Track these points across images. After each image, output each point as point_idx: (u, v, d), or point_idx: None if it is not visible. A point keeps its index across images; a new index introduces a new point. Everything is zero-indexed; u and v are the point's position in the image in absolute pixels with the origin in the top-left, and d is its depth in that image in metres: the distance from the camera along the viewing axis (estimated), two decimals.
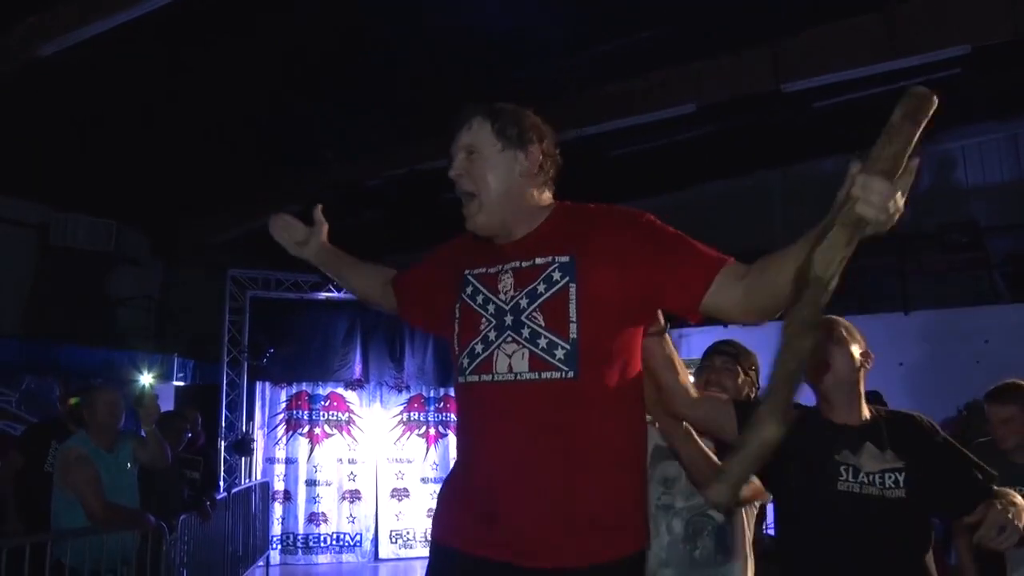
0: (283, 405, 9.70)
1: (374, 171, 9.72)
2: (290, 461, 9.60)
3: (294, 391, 9.72)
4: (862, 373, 2.46)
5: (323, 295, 9.70)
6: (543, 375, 1.88)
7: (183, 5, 6.71)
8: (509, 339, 1.91)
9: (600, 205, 2.04)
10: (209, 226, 11.44)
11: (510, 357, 1.90)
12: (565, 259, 1.93)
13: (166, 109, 8.50)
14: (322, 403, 9.73)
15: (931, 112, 1.46)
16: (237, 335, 9.49)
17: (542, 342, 1.89)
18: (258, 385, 9.61)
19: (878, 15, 8.16)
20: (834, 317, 2.52)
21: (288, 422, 9.67)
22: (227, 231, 11.28)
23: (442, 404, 10.29)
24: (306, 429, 9.68)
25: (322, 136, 8.83)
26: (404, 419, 10.12)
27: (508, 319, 1.93)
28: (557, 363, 1.87)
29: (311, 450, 9.63)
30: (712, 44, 9.19)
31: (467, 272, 2.04)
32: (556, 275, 1.92)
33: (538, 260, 1.95)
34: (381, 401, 10.07)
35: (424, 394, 10.27)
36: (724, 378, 2.76)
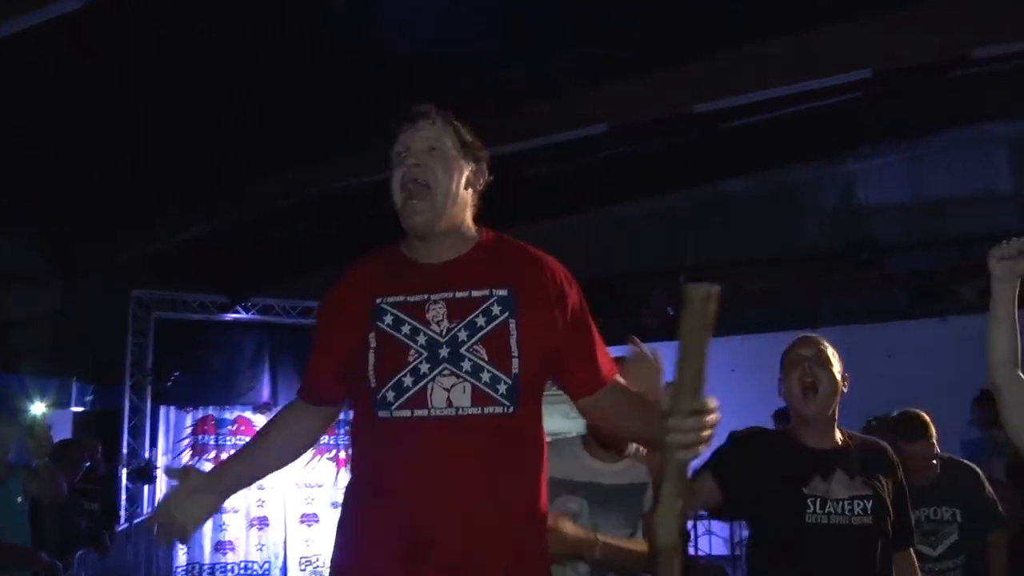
0: (188, 430, 9.37)
1: (288, 189, 9.50)
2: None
3: (200, 415, 9.40)
4: (838, 396, 2.46)
5: (230, 316, 9.43)
6: (486, 410, 1.83)
7: (87, 11, 6.47)
8: (446, 372, 1.82)
9: (529, 246, 2.05)
10: (113, 244, 11.04)
11: (448, 391, 1.81)
12: (503, 292, 1.90)
13: (66, 118, 8.18)
14: (229, 427, 9.44)
15: (716, 304, 1.50)
16: (141, 358, 9.15)
17: (485, 376, 1.83)
18: (162, 410, 9.28)
19: (789, 39, 8.34)
20: (814, 337, 2.50)
21: (194, 448, 9.35)
22: (132, 249, 10.90)
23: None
24: (213, 455, 9.35)
25: (234, 152, 8.59)
26: None
27: (443, 351, 1.84)
28: (500, 397, 1.83)
29: None
30: (625, 65, 9.29)
31: (379, 301, 1.90)
32: (496, 309, 1.89)
33: (474, 292, 1.90)
34: None
35: None
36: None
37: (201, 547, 9.11)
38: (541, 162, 10.85)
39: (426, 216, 1.91)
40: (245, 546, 9.30)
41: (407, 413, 1.81)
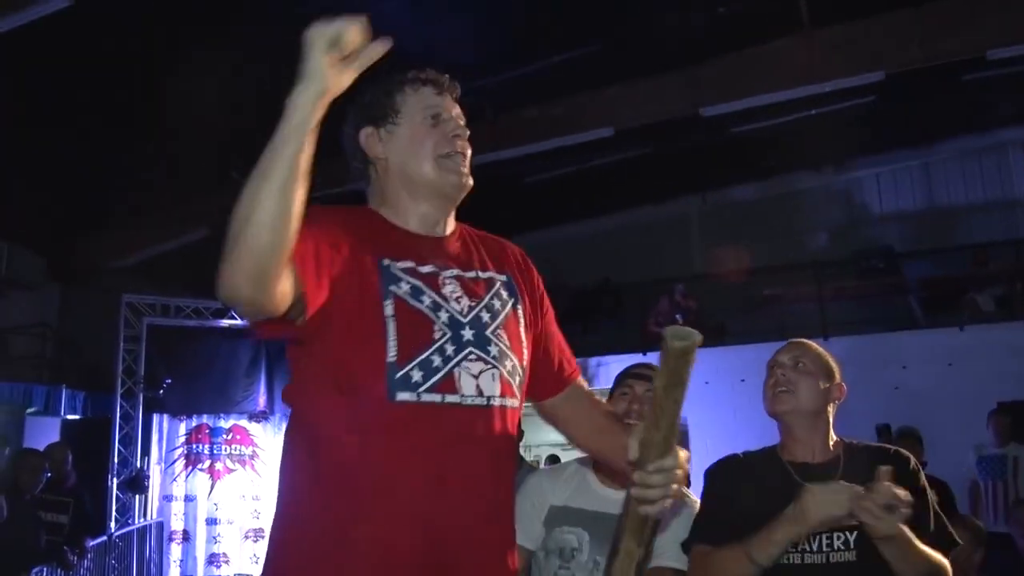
0: (182, 439, 9.11)
1: None
2: (189, 499, 9.02)
3: (194, 424, 9.16)
4: (831, 407, 2.17)
5: (225, 322, 9.22)
6: (508, 402, 1.64)
7: (74, 11, 6.34)
8: (473, 356, 1.61)
9: (496, 236, 1.90)
10: (109, 249, 10.89)
11: (477, 377, 1.60)
12: (504, 278, 1.76)
13: (63, 125, 8.05)
14: (224, 436, 9.19)
15: (695, 353, 1.39)
16: (133, 365, 8.94)
17: (508, 365, 1.66)
18: (155, 418, 9.03)
19: (796, 40, 8.15)
20: (800, 342, 2.23)
21: (187, 457, 9.09)
22: (128, 255, 10.74)
23: None
24: (207, 464, 9.10)
25: (230, 156, 8.41)
26: None
27: (467, 333, 1.62)
28: (516, 389, 1.67)
29: (212, 486, 9.08)
30: (630, 68, 9.12)
31: (386, 262, 1.63)
32: (504, 294, 1.74)
33: (480, 274, 1.73)
34: None
35: None
36: (647, 407, 2.35)
37: (195, 559, 8.89)
38: (546, 167, 10.71)
39: (464, 177, 1.75)
40: (240, 558, 9.06)
41: (437, 398, 1.56)
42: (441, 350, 1.58)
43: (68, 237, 10.57)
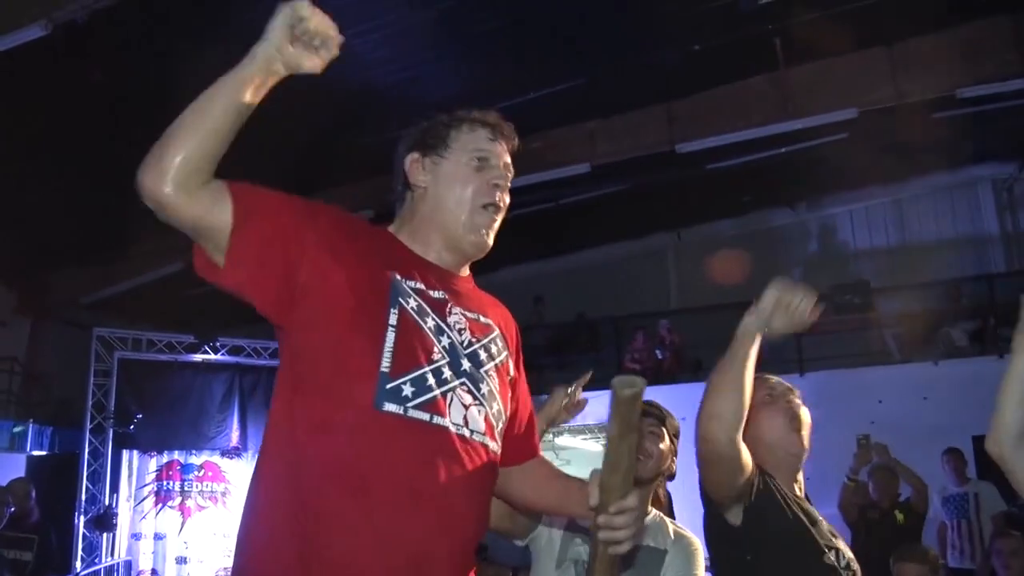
0: (152, 475, 8.95)
1: None
2: (158, 537, 8.84)
3: (165, 460, 9.00)
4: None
5: (198, 357, 9.09)
6: (490, 444, 1.62)
7: (48, 42, 6.30)
8: (465, 388, 1.59)
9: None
10: (81, 283, 10.78)
11: (466, 409, 1.58)
12: (497, 332, 1.75)
13: (33, 158, 7.98)
14: (195, 473, 9.04)
15: (641, 399, 1.44)
16: (103, 399, 8.78)
17: (495, 407, 1.64)
18: (125, 454, 8.86)
19: (771, 77, 8.24)
20: (766, 377, 2.21)
21: (157, 494, 8.92)
22: (100, 288, 10.63)
23: None
24: (177, 501, 8.94)
25: None
26: None
27: (465, 364, 1.60)
28: (497, 435, 1.65)
29: (182, 524, 8.91)
30: (608, 104, 9.19)
31: (398, 277, 1.61)
32: (499, 344, 1.73)
33: (482, 319, 1.72)
34: None
35: None
36: (649, 442, 2.32)
37: None
38: (523, 202, 10.71)
39: (489, 236, 1.74)
40: None
41: (425, 416, 1.52)
42: (437, 372, 1.56)
43: (39, 271, 10.46)
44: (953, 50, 7.68)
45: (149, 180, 1.42)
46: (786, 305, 1.87)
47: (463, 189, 1.70)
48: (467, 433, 1.57)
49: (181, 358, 9.11)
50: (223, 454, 9.20)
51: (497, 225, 1.74)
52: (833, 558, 1.98)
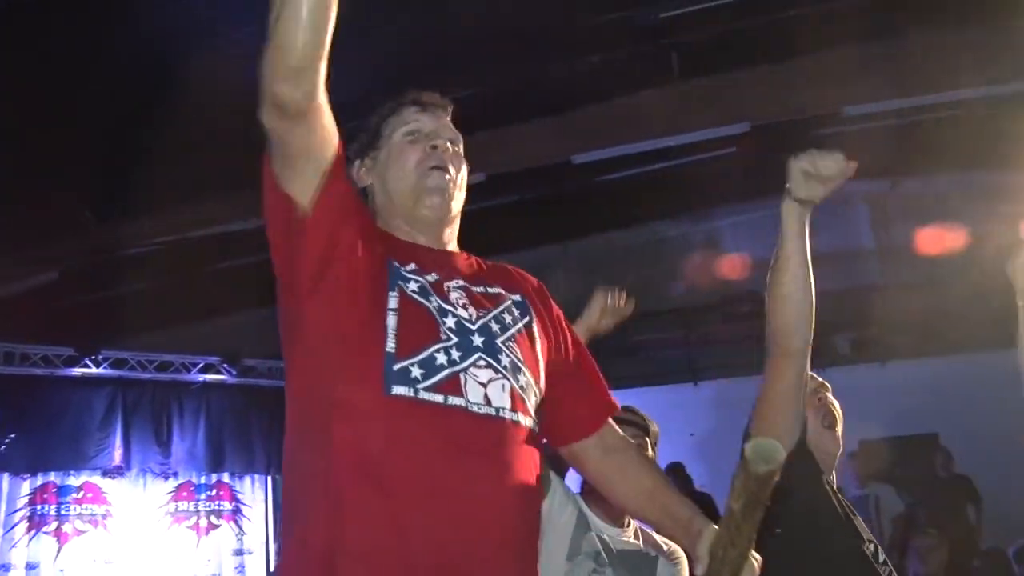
0: (25, 500, 8.42)
1: (142, 236, 8.84)
2: (31, 567, 8.30)
3: (39, 482, 8.48)
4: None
5: (78, 371, 8.62)
6: (523, 419, 1.51)
7: None
8: (482, 363, 1.50)
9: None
10: None
11: (485, 386, 1.50)
12: (516, 298, 1.69)
13: None
14: (74, 495, 8.55)
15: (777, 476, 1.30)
16: None
17: (522, 379, 1.55)
18: None
19: (666, 91, 8.42)
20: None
21: (30, 519, 8.39)
22: None
23: (214, 492, 9.33)
24: (53, 527, 8.43)
25: (84, 195, 7.92)
26: (171, 510, 9.07)
27: (476, 339, 1.53)
28: (531, 409, 1.55)
29: (58, 551, 8.40)
30: (504, 114, 9.20)
31: (395, 262, 1.58)
32: (516, 311, 1.66)
33: (489, 289, 1.66)
34: (144, 490, 8.97)
35: (194, 481, 9.27)
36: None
37: None
38: None
39: (445, 196, 1.69)
40: None
41: (438, 398, 1.45)
42: (446, 351, 1.50)
43: None
44: (839, 69, 8.03)
45: (267, 83, 1.39)
46: (814, 172, 1.91)
47: (403, 164, 1.70)
48: (491, 411, 1.49)
49: (59, 372, 8.62)
50: (104, 474, 8.74)
51: (458, 183, 1.72)
52: (872, 550, 2.01)
